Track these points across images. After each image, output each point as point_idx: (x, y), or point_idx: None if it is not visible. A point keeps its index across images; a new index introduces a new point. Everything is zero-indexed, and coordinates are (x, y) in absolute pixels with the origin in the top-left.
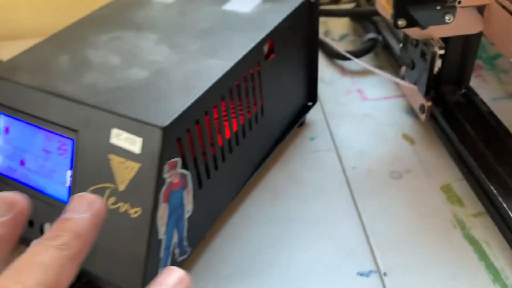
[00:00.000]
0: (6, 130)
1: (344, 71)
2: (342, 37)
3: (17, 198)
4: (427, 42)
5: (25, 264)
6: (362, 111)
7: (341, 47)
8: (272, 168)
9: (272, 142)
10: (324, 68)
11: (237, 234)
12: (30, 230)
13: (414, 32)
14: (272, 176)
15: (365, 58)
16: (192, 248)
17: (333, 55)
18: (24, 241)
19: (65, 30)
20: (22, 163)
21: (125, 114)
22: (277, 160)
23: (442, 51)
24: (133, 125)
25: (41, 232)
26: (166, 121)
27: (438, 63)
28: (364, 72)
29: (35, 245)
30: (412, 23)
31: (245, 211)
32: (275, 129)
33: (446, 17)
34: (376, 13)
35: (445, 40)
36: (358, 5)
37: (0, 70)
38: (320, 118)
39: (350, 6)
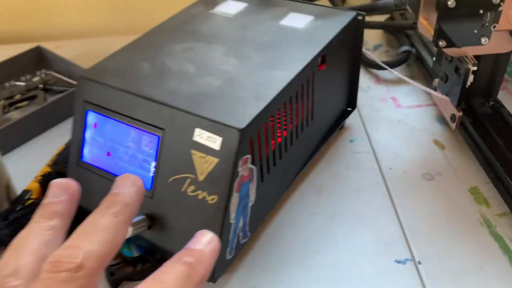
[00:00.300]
0: (95, 125)
1: (378, 79)
2: (376, 47)
3: (70, 182)
4: (461, 59)
5: (89, 227)
6: (396, 117)
7: (375, 57)
8: (315, 167)
9: (317, 143)
10: (361, 76)
11: (286, 224)
12: None
13: (450, 50)
14: (316, 174)
15: (398, 68)
16: (251, 233)
17: (369, 65)
18: None
19: (141, 39)
20: (108, 154)
21: (207, 117)
22: (320, 160)
23: (474, 68)
24: (214, 126)
25: None
26: (243, 123)
27: (471, 78)
28: (398, 81)
29: (94, 213)
30: (451, 43)
31: (292, 205)
32: (320, 131)
33: (482, 40)
34: (410, 27)
35: (477, 57)
36: (391, 18)
37: (89, 73)
38: (358, 122)
39: (382, 19)
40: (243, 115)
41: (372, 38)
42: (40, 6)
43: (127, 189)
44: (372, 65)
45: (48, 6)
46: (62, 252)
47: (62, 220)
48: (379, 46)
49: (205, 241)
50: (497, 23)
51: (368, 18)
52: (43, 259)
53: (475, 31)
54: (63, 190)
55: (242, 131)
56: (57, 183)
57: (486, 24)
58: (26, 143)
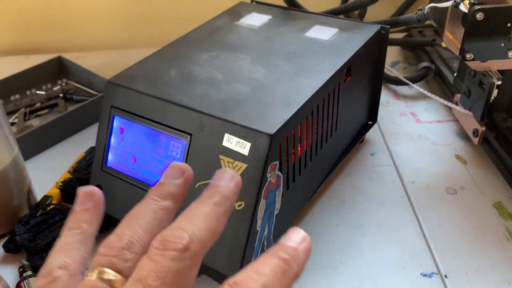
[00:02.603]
0: (121, 130)
1: (397, 95)
2: (394, 64)
3: (187, 166)
4: (485, 73)
5: (193, 213)
6: (416, 132)
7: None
8: (337, 179)
9: (339, 155)
10: None
11: (309, 234)
12: None
13: (474, 64)
14: (337, 186)
15: (417, 84)
16: (275, 243)
17: (388, 80)
18: None
19: (166, 48)
20: (134, 160)
21: (237, 122)
22: (341, 172)
23: (499, 82)
24: (244, 131)
25: None
26: (273, 129)
27: (495, 92)
28: (417, 97)
29: (196, 202)
30: (478, 56)
31: (315, 215)
32: (342, 143)
33: (509, 53)
34: (429, 44)
35: (501, 72)
36: (409, 36)
37: (117, 79)
38: (378, 136)
39: (400, 36)
40: (273, 120)
41: (390, 55)
42: (62, 20)
43: (226, 182)
44: (391, 80)
45: (69, 20)
46: (170, 232)
47: (174, 202)
48: (396, 63)
49: (298, 239)
50: None
51: None
52: (153, 236)
53: (502, 45)
54: (180, 173)
55: (273, 137)
56: (175, 165)
57: None
58: (47, 150)
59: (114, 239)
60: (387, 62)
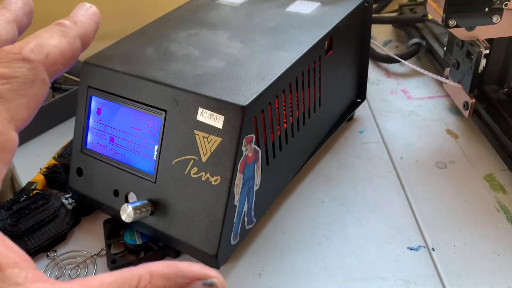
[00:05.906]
0: (98, 111)
1: (388, 73)
2: (386, 43)
3: None
4: (472, 43)
5: (37, 33)
6: (407, 109)
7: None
8: (324, 156)
9: (325, 133)
10: (370, 70)
11: (294, 212)
12: (116, 199)
13: (460, 33)
14: (324, 163)
15: (409, 61)
16: (256, 220)
17: (379, 59)
18: (109, 210)
19: (145, 28)
20: (111, 140)
21: (210, 96)
22: (328, 150)
23: (487, 51)
24: (217, 104)
25: (126, 200)
26: (246, 101)
27: (483, 62)
28: (408, 74)
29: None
30: (462, 23)
31: (301, 193)
32: (328, 120)
33: (494, 18)
34: (420, 20)
35: (490, 41)
36: (400, 14)
37: (93, 59)
38: (367, 114)
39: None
40: (247, 93)
41: (381, 34)
42: (53, 10)
43: (80, 11)
44: (382, 58)
45: (60, 11)
46: (8, 46)
47: (12, 14)
48: (389, 41)
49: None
50: (509, 1)
51: (377, 14)
52: None
53: (486, 9)
54: None
55: (245, 108)
56: None
57: (498, 2)
58: (34, 139)
59: None
60: (379, 41)
